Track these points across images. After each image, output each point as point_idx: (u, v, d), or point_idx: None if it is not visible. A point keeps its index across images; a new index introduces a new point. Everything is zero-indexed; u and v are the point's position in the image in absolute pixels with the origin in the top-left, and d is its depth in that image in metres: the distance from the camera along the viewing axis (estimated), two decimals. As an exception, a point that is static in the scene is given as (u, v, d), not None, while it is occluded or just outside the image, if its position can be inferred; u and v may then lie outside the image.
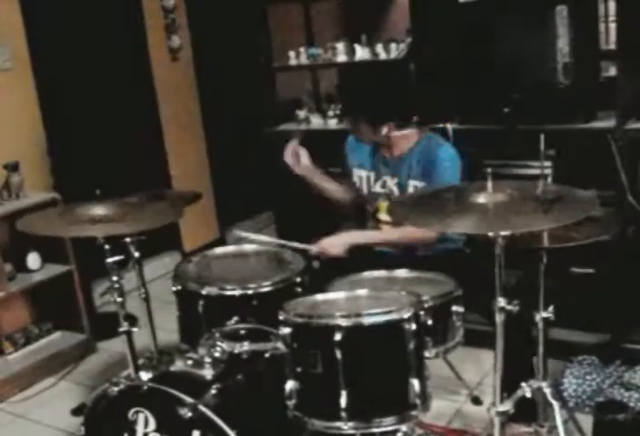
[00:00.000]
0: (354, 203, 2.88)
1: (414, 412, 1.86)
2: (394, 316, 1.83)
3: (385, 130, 2.59)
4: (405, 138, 2.66)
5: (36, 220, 2.33)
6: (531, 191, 1.99)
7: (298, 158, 2.77)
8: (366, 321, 1.82)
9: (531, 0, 3.07)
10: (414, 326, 1.84)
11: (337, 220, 3.04)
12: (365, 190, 2.78)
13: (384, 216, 2.72)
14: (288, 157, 2.78)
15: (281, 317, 1.89)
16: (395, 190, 2.69)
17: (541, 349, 2.27)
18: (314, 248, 2.57)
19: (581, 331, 3.06)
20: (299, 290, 2.34)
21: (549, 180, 2.84)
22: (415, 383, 1.85)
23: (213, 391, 1.99)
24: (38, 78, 3.71)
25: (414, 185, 2.64)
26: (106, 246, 2.25)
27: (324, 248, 2.55)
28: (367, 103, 2.59)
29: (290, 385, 1.88)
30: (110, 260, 2.27)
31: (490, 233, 1.84)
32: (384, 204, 2.71)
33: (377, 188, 2.74)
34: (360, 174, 2.79)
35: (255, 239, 2.71)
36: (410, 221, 2.06)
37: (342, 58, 3.92)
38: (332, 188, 2.87)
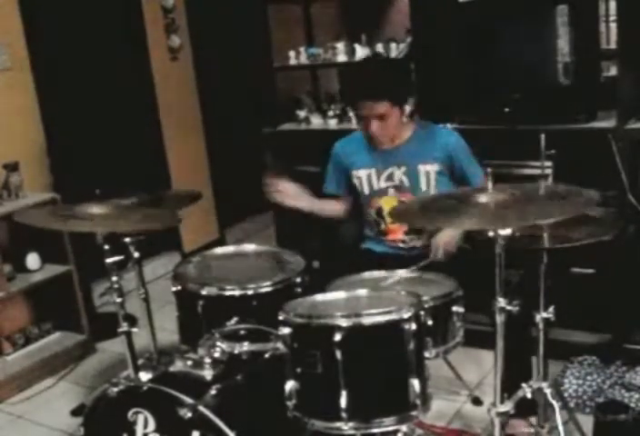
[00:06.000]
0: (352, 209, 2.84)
1: (414, 413, 1.86)
2: (394, 316, 1.82)
3: (408, 109, 2.59)
4: (406, 127, 2.66)
5: (35, 213, 2.33)
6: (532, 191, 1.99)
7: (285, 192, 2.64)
8: (366, 321, 1.81)
9: (531, 0, 3.07)
10: (414, 326, 1.84)
11: (337, 221, 3.03)
12: (366, 189, 2.73)
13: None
14: (277, 193, 2.63)
15: (281, 317, 1.89)
16: (405, 179, 2.66)
17: (541, 349, 2.27)
18: (439, 253, 2.50)
19: (581, 332, 3.05)
20: (299, 290, 2.33)
21: (549, 180, 2.83)
22: (415, 383, 1.84)
23: (213, 392, 1.98)
24: (38, 78, 3.71)
25: (424, 170, 2.63)
26: (106, 246, 2.25)
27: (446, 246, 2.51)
28: (394, 80, 2.59)
29: (290, 385, 1.88)
30: (109, 260, 2.26)
31: (490, 233, 1.84)
32: (388, 199, 2.68)
33: (382, 183, 2.69)
34: (359, 175, 2.72)
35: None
36: (413, 221, 2.06)
37: (342, 58, 3.93)
38: (329, 207, 2.80)
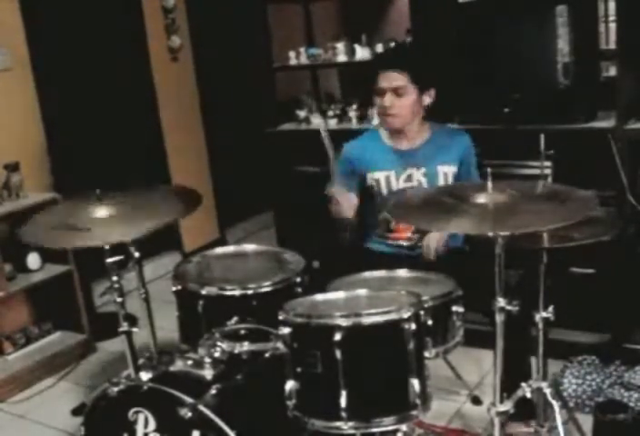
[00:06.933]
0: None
1: (414, 412, 1.86)
2: (393, 316, 1.82)
3: (427, 99, 2.61)
4: (423, 127, 2.68)
5: (38, 230, 2.31)
6: (531, 190, 1.99)
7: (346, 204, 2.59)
8: (366, 321, 1.81)
9: (531, 0, 3.07)
10: (413, 326, 1.84)
11: (336, 221, 3.03)
12: (384, 191, 2.69)
13: None
14: (347, 210, 2.58)
15: (281, 317, 1.89)
16: (424, 180, 2.66)
17: (541, 349, 2.27)
18: (431, 252, 2.56)
19: (581, 331, 3.06)
20: (299, 290, 2.33)
21: (549, 180, 2.84)
22: (415, 383, 1.84)
23: (213, 392, 1.98)
24: (38, 78, 3.72)
25: (442, 171, 2.65)
26: (106, 246, 2.25)
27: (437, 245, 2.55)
28: (421, 60, 2.67)
29: (290, 385, 1.88)
30: (110, 260, 2.26)
31: (490, 234, 1.84)
32: None
33: (401, 184, 2.68)
34: (376, 177, 2.69)
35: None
36: (411, 220, 2.07)
37: (342, 58, 3.93)
38: None
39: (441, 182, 2.65)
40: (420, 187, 2.66)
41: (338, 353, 1.79)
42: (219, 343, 2.08)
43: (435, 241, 2.55)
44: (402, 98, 2.57)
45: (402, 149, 2.70)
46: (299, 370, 1.86)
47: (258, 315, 2.21)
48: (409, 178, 2.68)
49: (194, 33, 4.65)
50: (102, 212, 2.23)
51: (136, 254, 2.44)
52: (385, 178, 2.69)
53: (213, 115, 4.83)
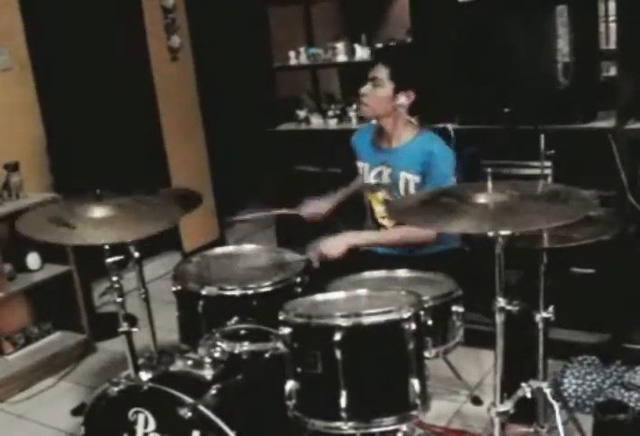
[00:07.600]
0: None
1: (414, 412, 1.86)
2: (393, 316, 1.82)
3: (402, 99, 2.60)
4: (406, 128, 2.67)
5: (36, 223, 2.30)
6: (531, 190, 1.99)
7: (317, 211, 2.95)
8: (366, 321, 1.81)
9: (531, 0, 3.07)
10: (414, 326, 1.84)
11: (336, 220, 3.04)
12: (363, 181, 2.82)
13: (379, 208, 2.77)
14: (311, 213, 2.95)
15: (281, 317, 1.89)
16: (389, 180, 2.69)
17: (541, 349, 2.27)
18: (311, 254, 2.53)
19: (581, 331, 3.06)
20: (299, 290, 2.33)
21: (549, 180, 2.84)
22: (415, 383, 1.84)
23: (213, 392, 1.98)
24: (38, 78, 3.72)
25: (404, 177, 2.64)
26: (106, 246, 2.24)
27: (322, 252, 2.52)
28: (408, 62, 2.74)
29: (290, 385, 1.88)
30: (109, 260, 2.26)
31: (490, 233, 1.84)
32: (376, 196, 2.75)
33: (372, 178, 2.75)
34: (358, 165, 2.84)
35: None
36: (410, 220, 2.07)
37: (342, 58, 3.94)
38: (355, 183, 2.97)
39: (401, 186, 2.65)
40: (390, 184, 2.69)
41: (338, 353, 1.79)
42: (219, 343, 2.07)
43: (325, 247, 2.52)
44: (376, 89, 2.62)
45: (381, 146, 2.75)
46: (299, 370, 1.86)
47: (258, 315, 2.21)
48: (379, 174, 2.73)
49: (194, 33, 4.65)
50: (99, 212, 2.23)
51: (136, 254, 2.44)
52: (362, 168, 2.82)
53: (213, 115, 4.83)
